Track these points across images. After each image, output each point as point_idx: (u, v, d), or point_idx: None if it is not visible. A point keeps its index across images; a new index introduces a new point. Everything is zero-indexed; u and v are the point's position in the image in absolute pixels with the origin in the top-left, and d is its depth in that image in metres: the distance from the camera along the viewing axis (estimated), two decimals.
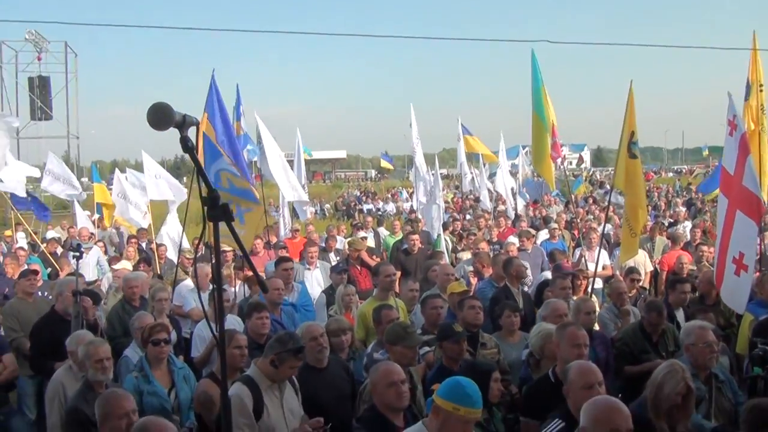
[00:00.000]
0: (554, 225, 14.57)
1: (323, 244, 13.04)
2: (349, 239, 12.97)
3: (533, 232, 13.43)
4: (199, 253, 12.88)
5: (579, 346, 5.06)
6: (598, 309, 7.92)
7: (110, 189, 17.93)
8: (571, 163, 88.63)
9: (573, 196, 26.44)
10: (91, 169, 19.47)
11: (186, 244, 13.14)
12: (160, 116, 2.40)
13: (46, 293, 9.32)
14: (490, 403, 4.93)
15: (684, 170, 76.89)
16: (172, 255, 13.50)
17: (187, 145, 2.41)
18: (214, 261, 2.79)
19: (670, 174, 76.21)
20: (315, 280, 10.23)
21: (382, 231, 17.22)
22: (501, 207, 22.97)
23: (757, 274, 7.79)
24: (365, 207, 38.45)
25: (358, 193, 48.95)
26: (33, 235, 15.07)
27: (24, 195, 13.28)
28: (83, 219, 18.14)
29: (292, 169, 16.85)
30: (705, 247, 10.64)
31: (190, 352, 7.42)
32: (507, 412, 5.61)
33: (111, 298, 9.33)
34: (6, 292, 10.27)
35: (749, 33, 10.61)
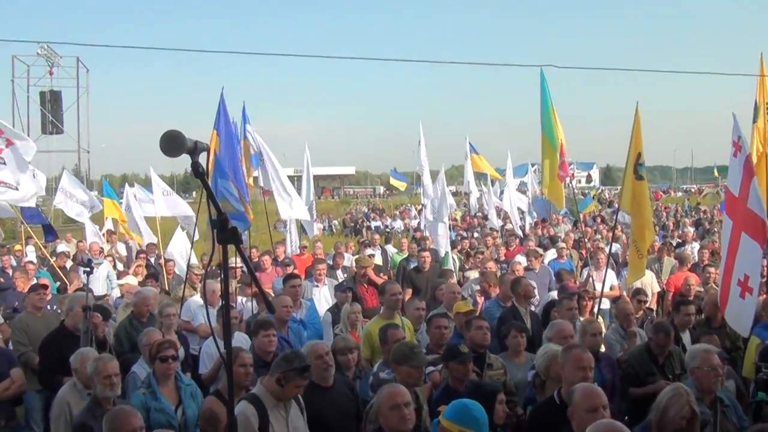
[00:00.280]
0: (562, 244, 14.57)
1: (331, 261, 13.08)
2: (357, 257, 12.98)
3: (541, 251, 13.43)
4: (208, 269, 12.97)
5: (584, 369, 5.06)
6: (604, 330, 7.93)
7: (120, 203, 18.03)
8: (579, 181, 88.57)
9: (582, 215, 26.46)
10: (102, 183, 19.55)
11: (194, 260, 13.21)
12: (173, 144, 2.49)
13: (55, 307, 9.38)
14: (495, 424, 4.94)
15: (693, 190, 76.62)
16: (180, 270, 13.57)
17: (198, 170, 2.48)
18: (222, 280, 2.84)
19: (679, 193, 75.96)
20: (323, 298, 10.24)
21: (390, 248, 17.24)
22: (509, 225, 22.99)
23: (764, 296, 7.79)
24: (373, 224, 38.48)
25: (366, 210, 48.97)
26: (43, 248, 15.13)
27: (34, 205, 13.33)
28: (93, 233, 18.25)
29: (300, 185, 16.97)
30: (712, 269, 10.60)
31: (197, 368, 7.45)
32: None
33: (121, 312, 9.37)
34: (15, 305, 10.34)
35: (757, 53, 10.62)
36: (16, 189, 11.12)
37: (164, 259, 13.75)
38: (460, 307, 7.61)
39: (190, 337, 8.60)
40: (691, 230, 21.89)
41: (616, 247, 13.74)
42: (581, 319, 7.94)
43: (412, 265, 12.30)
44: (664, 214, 35.80)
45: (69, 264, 14.72)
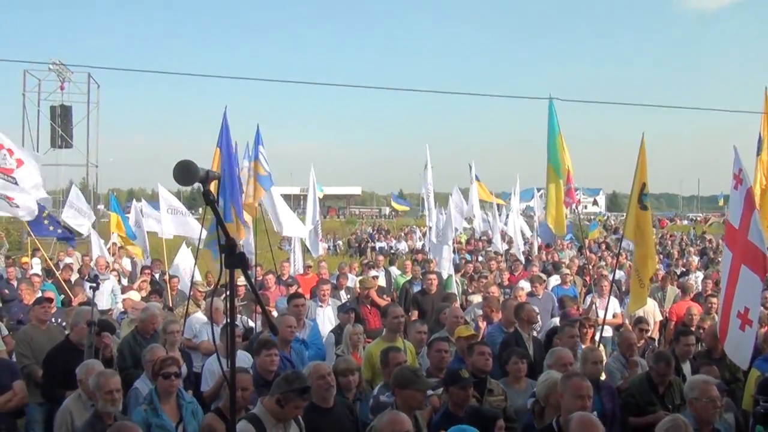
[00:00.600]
0: (566, 271, 14.57)
1: (334, 281, 13.11)
2: (360, 278, 13.03)
3: (544, 277, 13.45)
4: (211, 287, 13.01)
5: (583, 398, 5.09)
6: (605, 358, 7.95)
7: (126, 218, 18.12)
8: (586, 207, 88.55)
9: (587, 242, 26.47)
10: (110, 198, 19.67)
11: (198, 277, 13.26)
12: (186, 173, 2.59)
13: (59, 320, 9.44)
14: None
15: (699, 218, 76.50)
16: (184, 287, 13.62)
17: (208, 198, 2.56)
18: (228, 301, 2.91)
19: (685, 222, 75.84)
20: (327, 318, 10.28)
21: (394, 270, 17.26)
22: (513, 250, 23.01)
23: (765, 329, 7.80)
24: (378, 245, 38.49)
25: (371, 231, 48.97)
26: (48, 261, 15.23)
27: (34, 216, 13.41)
28: (99, 248, 18.33)
29: (305, 205, 17.07)
30: (714, 299, 10.57)
31: (199, 386, 7.48)
32: None
33: (125, 327, 9.41)
34: (20, 317, 10.40)
35: (761, 87, 10.71)
36: (18, 207, 11.28)
37: (168, 275, 13.79)
38: (461, 332, 7.63)
39: (193, 355, 8.63)
40: (695, 259, 21.90)
41: (619, 274, 13.73)
42: (583, 346, 7.97)
43: (416, 288, 12.33)
44: (669, 242, 35.74)
45: (74, 277, 14.81)
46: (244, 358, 7.23)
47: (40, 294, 11.19)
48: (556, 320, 10.03)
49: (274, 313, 9.82)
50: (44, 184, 12.49)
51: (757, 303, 6.93)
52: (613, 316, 11.07)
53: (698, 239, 39.09)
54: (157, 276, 14.53)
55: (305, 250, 17.38)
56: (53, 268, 14.54)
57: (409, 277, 14.49)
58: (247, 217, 13.43)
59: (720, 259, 21.81)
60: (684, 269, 18.83)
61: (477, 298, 11.83)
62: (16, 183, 11.27)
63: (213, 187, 2.70)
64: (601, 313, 10.32)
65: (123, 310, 11.04)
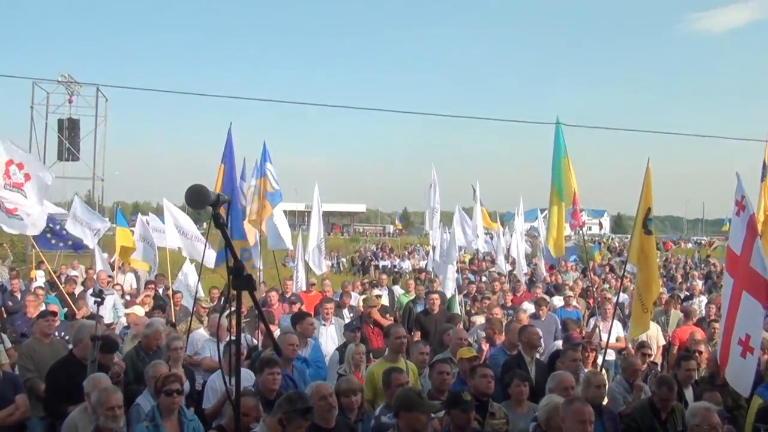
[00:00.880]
0: (569, 293, 14.54)
1: (337, 299, 13.11)
2: (364, 297, 13.03)
3: (549, 299, 13.43)
4: (214, 303, 13.04)
5: (584, 423, 5.09)
6: (607, 382, 7.94)
7: (132, 231, 18.14)
8: (590, 228, 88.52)
9: (591, 263, 26.45)
10: (115, 211, 19.69)
11: (201, 293, 13.29)
12: (197, 197, 2.66)
13: (63, 333, 9.46)
14: None
15: (704, 242, 76.38)
16: (187, 302, 13.63)
17: (218, 221, 2.62)
18: (232, 320, 2.95)
19: (689, 245, 75.71)
20: (329, 337, 10.29)
21: (397, 289, 17.25)
22: (516, 270, 22.97)
23: (767, 356, 7.78)
24: (381, 263, 38.47)
25: (375, 249, 49.00)
26: (52, 273, 15.24)
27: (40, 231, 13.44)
28: (102, 262, 18.35)
29: (308, 222, 17.13)
30: (717, 325, 10.58)
31: (201, 403, 7.48)
32: None
33: (128, 343, 9.43)
34: (24, 331, 10.41)
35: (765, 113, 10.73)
36: (25, 223, 11.32)
37: (172, 290, 13.81)
38: (464, 353, 7.63)
39: (195, 371, 8.64)
40: (699, 283, 21.77)
41: (623, 297, 13.71)
42: (585, 370, 7.96)
43: (419, 307, 12.33)
44: (674, 265, 35.66)
45: (78, 290, 14.83)
46: (246, 376, 7.23)
47: (44, 307, 11.25)
48: (559, 343, 10.02)
49: (277, 331, 9.83)
50: (50, 197, 12.58)
51: (758, 330, 6.91)
52: (617, 340, 11.06)
53: (702, 263, 38.99)
54: (160, 291, 14.54)
55: (308, 268, 17.40)
56: (57, 281, 14.56)
57: (412, 297, 14.49)
58: (251, 232, 13.52)
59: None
60: (688, 293, 18.77)
61: (480, 319, 11.81)
62: (26, 197, 11.33)
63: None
64: (604, 337, 10.33)
65: (126, 324, 11.05)
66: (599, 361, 9.32)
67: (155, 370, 6.58)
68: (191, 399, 7.38)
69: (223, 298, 13.26)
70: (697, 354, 8.99)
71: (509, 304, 13.86)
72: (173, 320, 11.94)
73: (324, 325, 10.43)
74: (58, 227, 15.23)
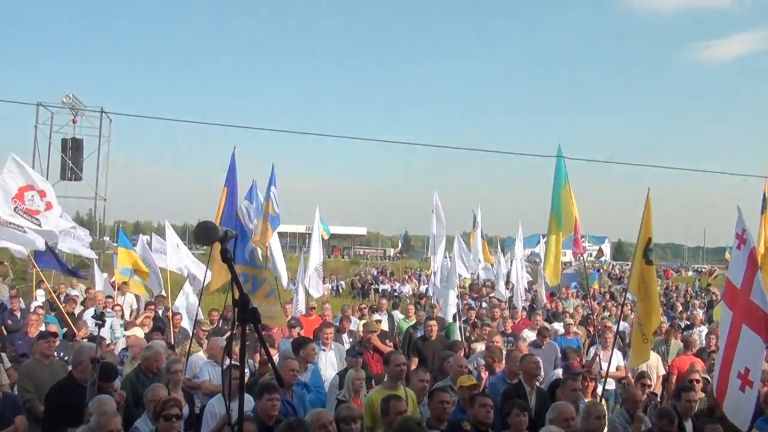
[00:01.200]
0: (569, 321, 14.51)
1: (337, 324, 13.09)
2: (364, 322, 13.03)
3: (550, 328, 13.39)
4: (214, 326, 13.03)
5: None
6: (607, 413, 7.93)
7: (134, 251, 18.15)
8: (591, 255, 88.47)
9: (591, 290, 26.45)
10: (118, 231, 19.74)
11: (201, 316, 13.29)
12: (206, 233, 2.79)
13: (62, 354, 9.45)
14: None
15: (705, 270, 76.31)
16: (186, 324, 13.62)
17: (226, 256, 2.68)
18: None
19: (690, 273, 75.60)
20: (329, 362, 10.26)
21: (397, 314, 17.22)
22: (514, 297, 22.94)
23: (765, 389, 7.76)
24: (381, 287, 38.42)
25: (375, 272, 48.95)
26: (52, 293, 15.23)
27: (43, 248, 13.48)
28: (101, 282, 18.35)
29: (309, 244, 17.21)
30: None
31: (200, 427, 7.46)
32: None
33: (128, 365, 9.42)
34: (25, 351, 10.40)
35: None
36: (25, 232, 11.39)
37: (172, 312, 13.81)
38: (464, 381, 7.63)
39: (194, 394, 8.61)
40: (700, 312, 21.71)
41: (624, 325, 13.68)
42: (585, 400, 7.95)
43: (420, 333, 12.31)
44: (674, 294, 35.62)
45: (77, 309, 14.82)
46: (245, 401, 7.20)
47: (43, 327, 11.25)
48: (559, 371, 10.00)
49: (276, 355, 9.82)
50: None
51: (758, 364, 6.91)
52: (617, 369, 11.02)
53: (703, 291, 38.94)
54: (160, 312, 14.53)
55: (308, 291, 17.42)
56: (56, 300, 14.55)
57: (412, 322, 14.48)
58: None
59: None
60: (688, 322, 18.71)
61: (480, 346, 11.78)
62: (39, 225, 11.40)
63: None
64: (604, 366, 10.31)
65: (125, 346, 11.03)
66: (599, 390, 9.30)
67: (154, 394, 6.58)
68: (190, 423, 7.35)
69: (223, 321, 13.27)
70: (694, 383, 8.99)
71: (509, 330, 13.83)
72: (172, 342, 11.92)
73: (323, 350, 10.38)
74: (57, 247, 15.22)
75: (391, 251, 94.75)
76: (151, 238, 20.78)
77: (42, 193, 11.50)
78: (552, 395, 8.32)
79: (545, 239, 27.41)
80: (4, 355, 9.52)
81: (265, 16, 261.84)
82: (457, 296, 16.31)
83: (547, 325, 13.72)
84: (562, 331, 13.79)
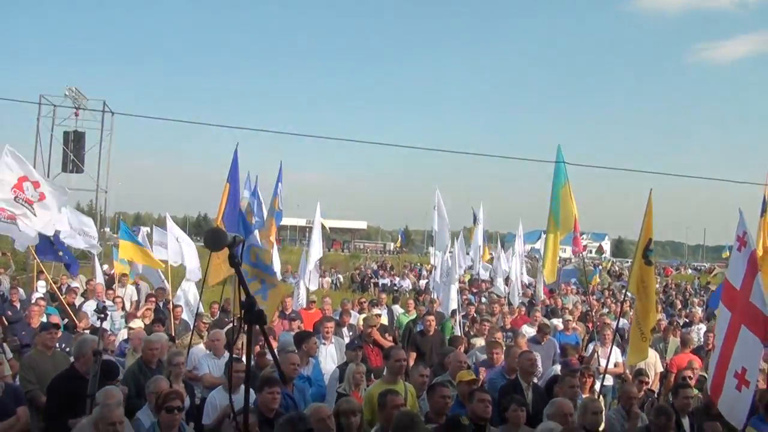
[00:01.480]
0: (568, 317, 14.58)
1: (337, 317, 13.13)
2: (364, 316, 13.08)
3: (551, 325, 13.43)
4: (215, 318, 13.08)
5: None
6: (605, 408, 7.98)
7: (140, 244, 18.16)
8: (591, 251, 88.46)
9: (591, 287, 26.52)
10: (119, 224, 19.75)
11: (202, 308, 13.34)
12: (216, 240, 2.86)
13: (63, 345, 9.50)
14: None
15: (704, 268, 76.36)
16: (187, 317, 13.68)
17: (234, 261, 2.76)
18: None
19: (690, 271, 75.68)
20: (329, 355, 10.29)
21: (397, 309, 17.28)
22: (510, 293, 22.99)
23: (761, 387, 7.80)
24: (381, 281, 38.45)
25: (375, 267, 48.95)
26: (53, 284, 15.27)
27: (24, 247, 13.52)
28: (101, 274, 18.39)
29: (310, 238, 17.28)
30: None
31: (201, 418, 7.52)
32: None
33: (129, 357, 9.47)
34: (27, 341, 10.44)
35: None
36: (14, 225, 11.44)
37: (172, 304, 13.86)
38: (463, 376, 7.69)
39: (194, 386, 8.67)
40: (698, 311, 21.77)
41: (623, 322, 13.74)
42: (583, 396, 8.01)
43: (419, 328, 12.37)
44: (673, 292, 35.69)
45: (78, 301, 14.86)
46: None
47: (44, 318, 11.30)
48: (558, 367, 10.07)
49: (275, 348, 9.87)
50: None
51: (756, 364, 6.96)
52: (615, 366, 11.07)
53: (702, 289, 39.02)
54: (161, 304, 14.57)
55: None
56: (57, 291, 14.59)
57: (412, 316, 14.54)
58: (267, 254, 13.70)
59: None
60: (687, 320, 18.77)
61: (479, 342, 11.85)
62: (35, 215, 11.48)
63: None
64: (603, 362, 10.37)
65: (125, 338, 11.06)
66: (597, 386, 9.36)
67: (156, 386, 6.64)
68: (191, 414, 7.41)
69: (222, 313, 13.34)
70: (687, 380, 9.06)
71: (508, 326, 13.89)
72: (173, 334, 11.96)
73: (324, 344, 10.41)
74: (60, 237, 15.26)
75: (391, 245, 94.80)
76: (151, 230, 20.85)
77: (36, 184, 11.58)
78: (550, 391, 8.39)
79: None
80: (5, 345, 9.57)
81: (270, 14, 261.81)
82: (458, 291, 16.38)
83: (546, 321, 13.78)
84: (561, 327, 13.85)
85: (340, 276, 41.67)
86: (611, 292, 28.43)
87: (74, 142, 30.61)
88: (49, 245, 14.73)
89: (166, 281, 15.42)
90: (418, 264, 52.92)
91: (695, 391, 8.65)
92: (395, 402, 6.42)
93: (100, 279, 17.32)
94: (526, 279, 25.73)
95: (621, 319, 12.90)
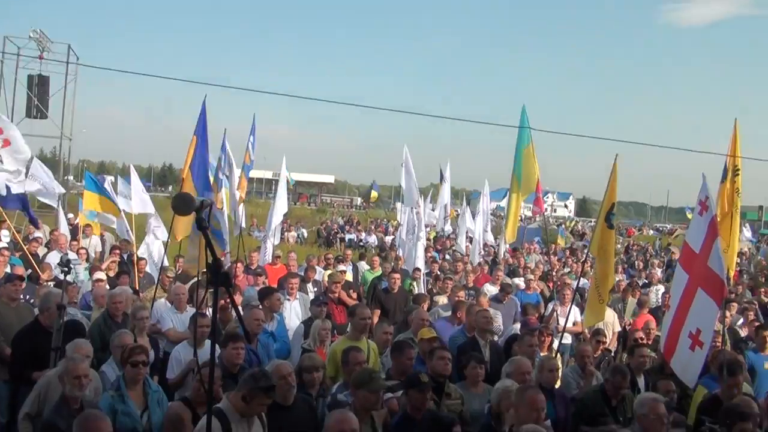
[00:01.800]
0: (530, 276, 14.78)
1: (302, 273, 13.18)
2: (329, 272, 13.15)
3: (512, 285, 13.59)
4: (179, 271, 13.06)
5: (537, 410, 5.31)
6: (561, 367, 8.19)
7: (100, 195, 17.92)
8: (555, 210, 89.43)
9: (552, 246, 26.83)
10: (83, 172, 19.53)
11: (166, 262, 13.30)
12: (183, 204, 2.89)
13: (28, 296, 9.45)
14: None
15: (666, 229, 77.44)
16: (151, 270, 13.64)
17: (201, 224, 2.79)
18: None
19: (651, 232, 76.67)
20: (293, 311, 10.34)
21: (362, 265, 17.35)
22: (482, 252, 23.14)
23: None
24: (347, 236, 38.45)
25: (342, 222, 48.86)
26: (16, 234, 15.08)
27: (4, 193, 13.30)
28: (65, 224, 18.18)
29: (276, 190, 17.24)
30: None
31: (165, 372, 7.59)
32: None
33: (95, 311, 9.45)
34: None
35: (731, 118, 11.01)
36: None
37: (137, 256, 13.79)
38: (423, 334, 7.81)
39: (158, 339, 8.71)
40: (658, 272, 22.17)
41: (584, 282, 13.98)
42: (540, 354, 8.19)
43: (384, 285, 12.47)
44: (635, 252, 36.18)
45: (41, 251, 14.71)
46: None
47: (9, 269, 11.21)
48: (518, 326, 10.27)
49: (240, 300, 9.91)
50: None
51: (710, 326, 7.18)
52: (574, 324, 11.28)
53: (663, 251, 39.63)
54: (125, 257, 14.50)
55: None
56: (20, 241, 14.43)
57: (377, 273, 14.64)
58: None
59: None
60: (646, 281, 19.09)
61: (442, 299, 11.98)
62: (1, 161, 11.30)
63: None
64: (561, 321, 10.59)
65: (89, 289, 10.99)
66: (555, 345, 9.57)
67: (121, 340, 6.69)
68: (155, 368, 7.48)
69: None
70: (640, 340, 9.31)
71: (470, 284, 14.03)
72: (137, 287, 11.92)
73: (288, 299, 10.46)
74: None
75: (358, 200, 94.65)
76: (116, 179, 20.60)
77: None
78: (508, 349, 8.58)
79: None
80: None
81: None
82: (424, 249, 16.48)
83: (508, 280, 13.96)
84: (522, 286, 14.05)
85: (304, 231, 41.49)
86: (572, 251, 28.76)
87: (38, 87, 30.06)
88: (16, 196, 14.49)
89: (130, 233, 15.30)
90: (385, 220, 53.00)
91: (649, 351, 8.90)
92: (358, 359, 6.55)
93: (64, 229, 17.10)
94: (491, 238, 25.86)
95: (581, 278, 13.13)
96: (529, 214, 50.43)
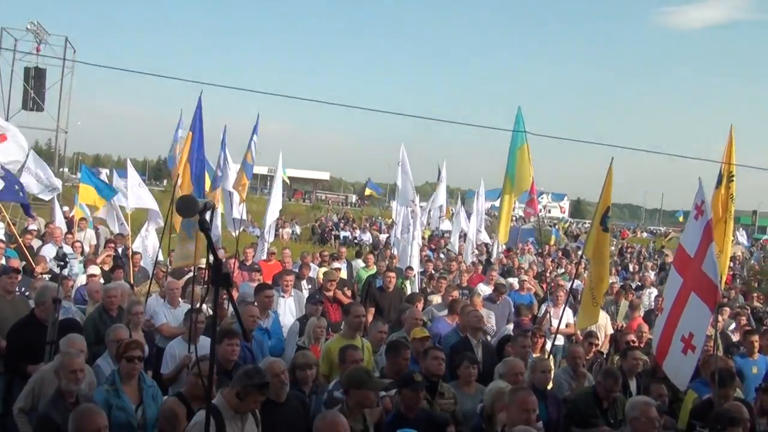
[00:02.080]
0: (524, 277, 14.80)
1: (296, 270, 13.18)
2: (324, 270, 13.15)
3: (507, 285, 13.61)
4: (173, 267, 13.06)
5: (528, 411, 5.34)
6: (554, 368, 8.23)
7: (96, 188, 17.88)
8: (549, 211, 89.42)
9: (546, 247, 26.84)
10: (79, 166, 19.49)
11: (161, 257, 13.31)
12: (188, 207, 2.94)
13: (23, 289, 9.47)
14: None
15: (660, 232, 77.58)
16: (146, 264, 13.64)
17: (204, 226, 2.82)
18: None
19: (645, 234, 76.79)
20: (288, 308, 10.34)
21: (357, 263, 17.35)
22: (476, 252, 23.17)
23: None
24: (342, 234, 38.43)
25: (336, 219, 48.81)
26: (11, 226, 15.06)
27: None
28: (60, 217, 18.15)
29: (271, 185, 17.23)
30: None
31: (160, 365, 7.61)
32: None
33: (90, 304, 9.46)
34: None
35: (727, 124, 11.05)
36: None
37: (132, 251, 13.79)
38: (416, 333, 7.84)
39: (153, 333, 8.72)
40: (651, 274, 22.19)
41: (577, 283, 14.00)
42: (533, 355, 8.23)
43: (379, 283, 12.49)
44: (628, 255, 36.23)
45: (36, 243, 14.70)
46: (204, 344, 7.34)
47: (3, 261, 11.21)
48: (512, 327, 10.29)
49: (235, 295, 9.93)
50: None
51: (703, 330, 7.19)
52: (567, 326, 11.31)
53: (656, 253, 39.68)
54: (120, 251, 14.49)
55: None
56: (16, 233, 14.41)
57: (372, 271, 14.64)
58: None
59: None
60: (639, 283, 19.11)
61: (436, 298, 12.00)
62: None
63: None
64: (554, 322, 10.62)
65: (84, 283, 10.99)
66: (548, 346, 9.60)
67: (116, 334, 6.71)
68: (149, 363, 7.49)
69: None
70: (632, 343, 9.34)
71: (464, 284, 14.05)
72: (132, 281, 11.92)
73: (283, 296, 10.45)
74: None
75: (353, 198, 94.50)
76: (111, 173, 20.58)
77: None
78: (501, 350, 8.62)
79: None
80: None
81: None
82: (419, 248, 16.50)
83: (502, 280, 13.99)
84: (516, 286, 14.08)
85: (297, 227, 41.37)
86: (565, 253, 28.73)
87: (35, 79, 30.02)
88: (12, 187, 14.47)
89: (125, 225, 15.31)
90: (379, 218, 53.00)
91: (641, 355, 8.94)
92: (354, 357, 6.60)
93: (59, 222, 17.08)
94: (485, 237, 25.88)
95: (575, 280, 13.20)
96: (522, 214, 50.47)
